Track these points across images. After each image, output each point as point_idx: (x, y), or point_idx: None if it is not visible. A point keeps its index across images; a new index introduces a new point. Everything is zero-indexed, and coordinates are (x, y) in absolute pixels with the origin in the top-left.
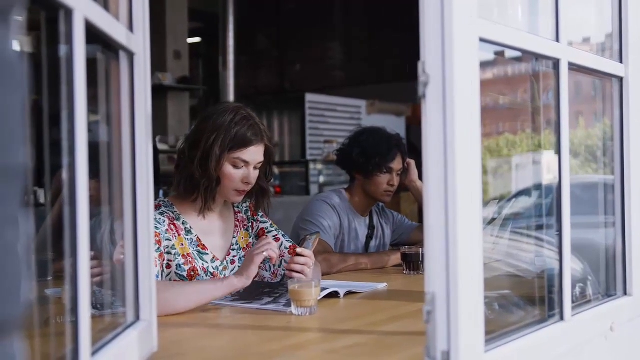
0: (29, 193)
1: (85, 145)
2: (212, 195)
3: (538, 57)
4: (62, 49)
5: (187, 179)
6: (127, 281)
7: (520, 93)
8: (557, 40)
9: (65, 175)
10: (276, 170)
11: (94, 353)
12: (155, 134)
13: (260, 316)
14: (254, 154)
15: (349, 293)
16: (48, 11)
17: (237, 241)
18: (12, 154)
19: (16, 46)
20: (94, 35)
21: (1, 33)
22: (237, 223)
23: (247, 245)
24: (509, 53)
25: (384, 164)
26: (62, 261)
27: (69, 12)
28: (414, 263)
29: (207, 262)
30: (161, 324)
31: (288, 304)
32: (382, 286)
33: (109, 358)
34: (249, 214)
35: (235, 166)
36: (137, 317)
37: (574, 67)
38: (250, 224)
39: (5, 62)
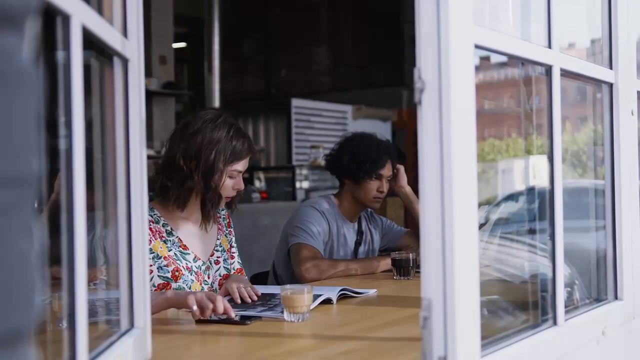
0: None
1: (82, 151)
2: (217, 208)
3: (531, 63)
4: (59, 55)
5: (187, 193)
6: (121, 289)
7: (505, 98)
8: (549, 46)
9: (61, 181)
10: (262, 175)
11: None
12: None
13: (253, 323)
14: (246, 163)
15: (342, 297)
16: (45, 17)
17: (220, 243)
18: (26, 162)
19: (29, 54)
20: (88, 41)
21: (15, 42)
22: (220, 226)
23: (226, 250)
24: (494, 58)
25: (374, 170)
26: (53, 267)
27: (66, 18)
28: (404, 268)
29: (189, 262)
30: (154, 331)
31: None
32: (372, 292)
33: None
34: (225, 222)
35: (231, 177)
36: (132, 325)
37: (565, 73)
38: (228, 231)
39: (19, 70)
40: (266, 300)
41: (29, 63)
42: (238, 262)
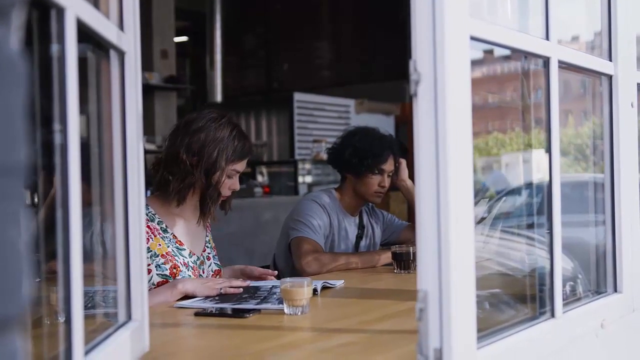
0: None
1: (77, 145)
2: (216, 205)
3: (528, 55)
4: (54, 48)
5: (188, 188)
6: (118, 281)
7: (509, 92)
8: (547, 38)
9: (57, 176)
10: (264, 170)
11: (86, 353)
12: None
13: (252, 316)
14: (244, 164)
15: (324, 288)
16: (39, 10)
17: (209, 240)
18: (14, 152)
19: (16, 45)
20: (84, 34)
21: (1, 32)
22: (208, 224)
23: (213, 248)
24: (498, 52)
25: (376, 165)
26: (51, 262)
27: (60, 11)
28: (404, 262)
29: (185, 257)
30: (152, 324)
31: (281, 301)
32: (340, 282)
33: (101, 358)
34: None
35: (229, 176)
36: (129, 317)
37: (563, 65)
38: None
39: (6, 60)
40: (253, 293)
41: (16, 53)
42: (216, 263)
